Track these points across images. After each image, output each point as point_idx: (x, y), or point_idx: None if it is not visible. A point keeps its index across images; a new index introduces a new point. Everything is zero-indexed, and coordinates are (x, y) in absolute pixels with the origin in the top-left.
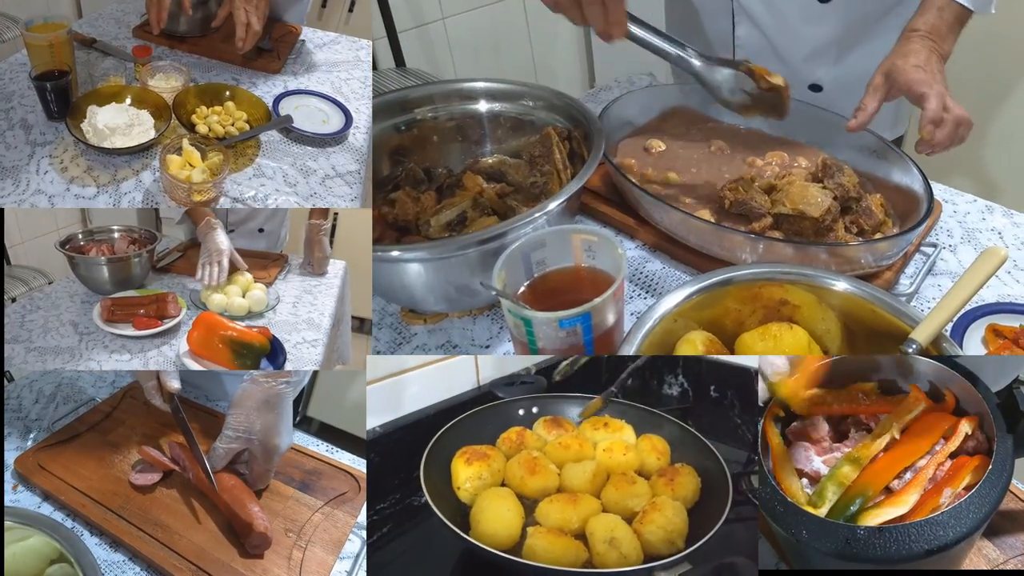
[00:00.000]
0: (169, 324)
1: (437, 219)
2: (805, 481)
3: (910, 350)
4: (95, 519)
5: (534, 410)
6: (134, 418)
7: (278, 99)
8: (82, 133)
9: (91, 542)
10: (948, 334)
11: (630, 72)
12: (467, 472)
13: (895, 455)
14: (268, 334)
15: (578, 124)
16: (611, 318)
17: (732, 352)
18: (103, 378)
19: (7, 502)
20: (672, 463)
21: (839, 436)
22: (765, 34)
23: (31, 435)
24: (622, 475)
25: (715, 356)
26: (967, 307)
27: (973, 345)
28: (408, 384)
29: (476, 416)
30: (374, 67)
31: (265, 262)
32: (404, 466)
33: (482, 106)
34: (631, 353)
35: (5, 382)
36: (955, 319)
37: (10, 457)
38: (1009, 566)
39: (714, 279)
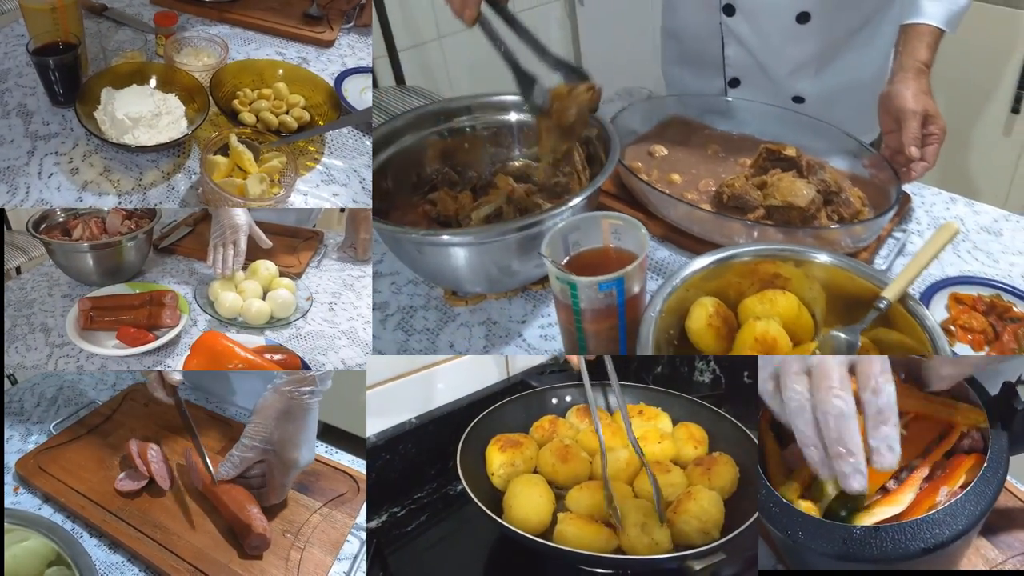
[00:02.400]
0: (164, 338)
1: (477, 213)
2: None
3: (881, 306)
4: (94, 521)
5: (567, 398)
6: (134, 420)
7: (339, 79)
8: (96, 124)
9: (90, 543)
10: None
11: (619, 86)
12: (500, 459)
13: None
14: (296, 362)
15: (594, 131)
16: (637, 287)
17: (736, 315)
18: (104, 380)
19: (8, 504)
20: (710, 452)
21: None
22: (752, 53)
23: (32, 437)
24: (656, 464)
25: None
26: (934, 279)
27: (938, 311)
28: (438, 378)
29: (510, 405)
30: (375, 85)
31: (295, 242)
32: (440, 456)
33: (512, 116)
34: (655, 314)
35: (9, 384)
36: (924, 289)
37: (11, 459)
38: (1008, 565)
39: (719, 255)
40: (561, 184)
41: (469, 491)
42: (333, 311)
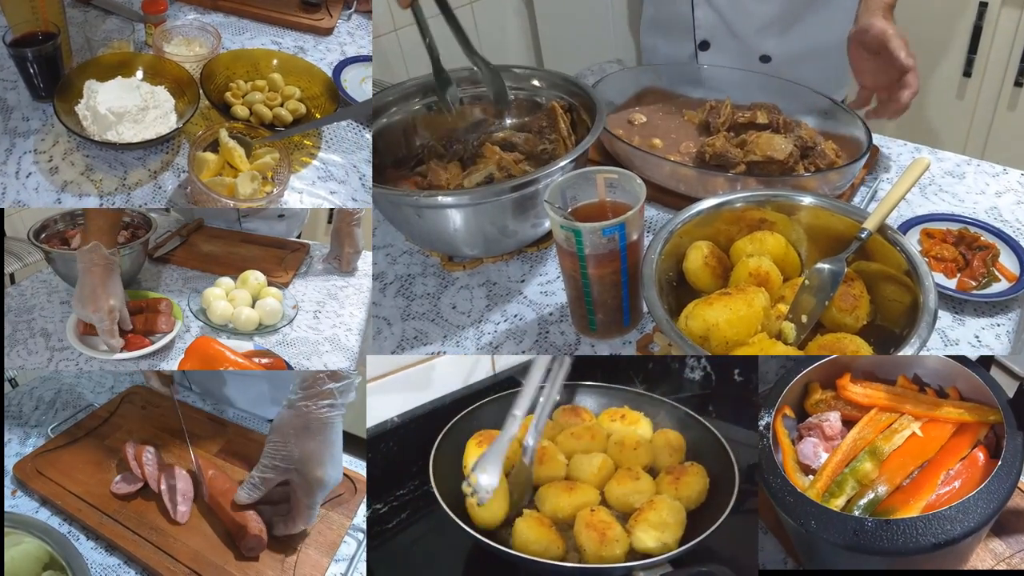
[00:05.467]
0: (159, 343)
1: (470, 180)
2: (810, 477)
3: (863, 235)
4: (91, 523)
5: (555, 398)
6: (132, 423)
7: (338, 69)
8: (77, 119)
9: (87, 546)
10: None
11: (581, 65)
12: (477, 454)
13: (910, 453)
14: (281, 365)
15: (578, 98)
16: (636, 234)
17: (728, 257)
18: (102, 383)
19: (6, 508)
20: (688, 459)
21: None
22: (720, 14)
23: (30, 441)
24: (627, 470)
25: None
26: (905, 218)
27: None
28: (424, 375)
29: (495, 403)
30: None
31: (282, 254)
32: (422, 454)
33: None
34: (655, 256)
35: (9, 388)
36: (897, 226)
37: (9, 463)
38: (1015, 560)
39: (712, 203)
40: (548, 151)
41: (436, 492)
42: (317, 319)
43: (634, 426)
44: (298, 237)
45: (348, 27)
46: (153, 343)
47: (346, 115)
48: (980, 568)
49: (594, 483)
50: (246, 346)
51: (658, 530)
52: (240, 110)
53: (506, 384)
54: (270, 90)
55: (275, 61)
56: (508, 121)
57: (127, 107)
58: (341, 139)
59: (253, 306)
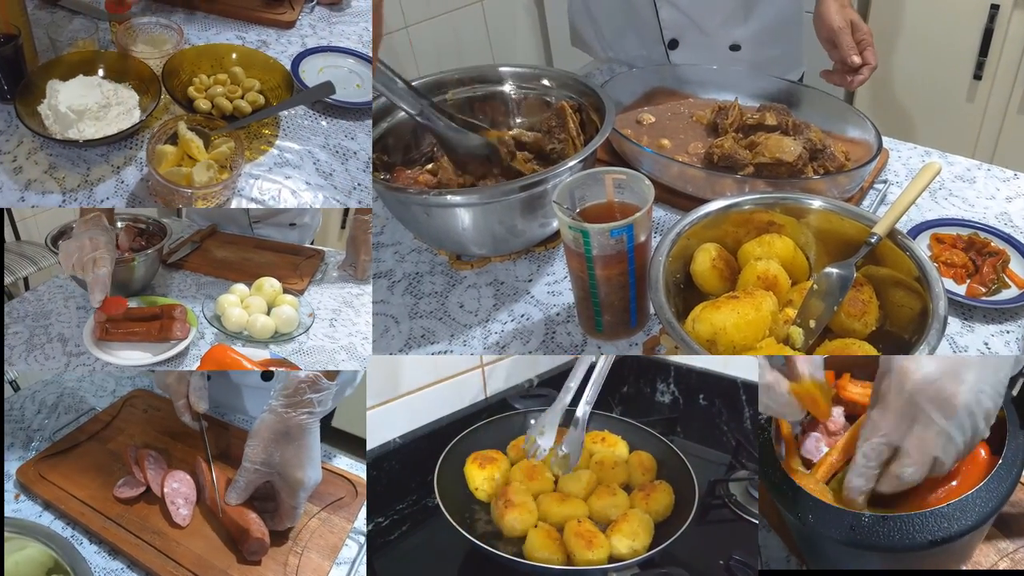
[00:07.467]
0: (174, 350)
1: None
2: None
3: (872, 240)
4: (94, 527)
5: None
6: (134, 426)
7: (297, 60)
8: (39, 120)
9: (90, 550)
10: None
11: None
12: (482, 475)
13: None
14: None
15: (587, 98)
16: (644, 235)
17: (736, 259)
18: (104, 387)
19: (8, 512)
20: (657, 478)
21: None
22: (684, 12)
23: (32, 445)
24: (606, 487)
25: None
26: (915, 223)
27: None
28: (420, 397)
29: (492, 424)
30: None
31: (297, 260)
32: (420, 470)
33: (507, 87)
34: (663, 257)
35: (11, 391)
36: (907, 231)
37: (12, 467)
38: (1019, 554)
39: (720, 204)
40: (557, 151)
41: (442, 507)
42: (333, 327)
43: (613, 448)
44: (311, 243)
45: (310, 20)
46: (168, 349)
47: (297, 101)
48: (984, 564)
49: (582, 496)
50: (262, 355)
51: (630, 538)
52: (202, 104)
53: (497, 408)
54: (231, 83)
55: (234, 55)
56: (515, 120)
57: (88, 105)
58: (298, 127)
59: (268, 313)
